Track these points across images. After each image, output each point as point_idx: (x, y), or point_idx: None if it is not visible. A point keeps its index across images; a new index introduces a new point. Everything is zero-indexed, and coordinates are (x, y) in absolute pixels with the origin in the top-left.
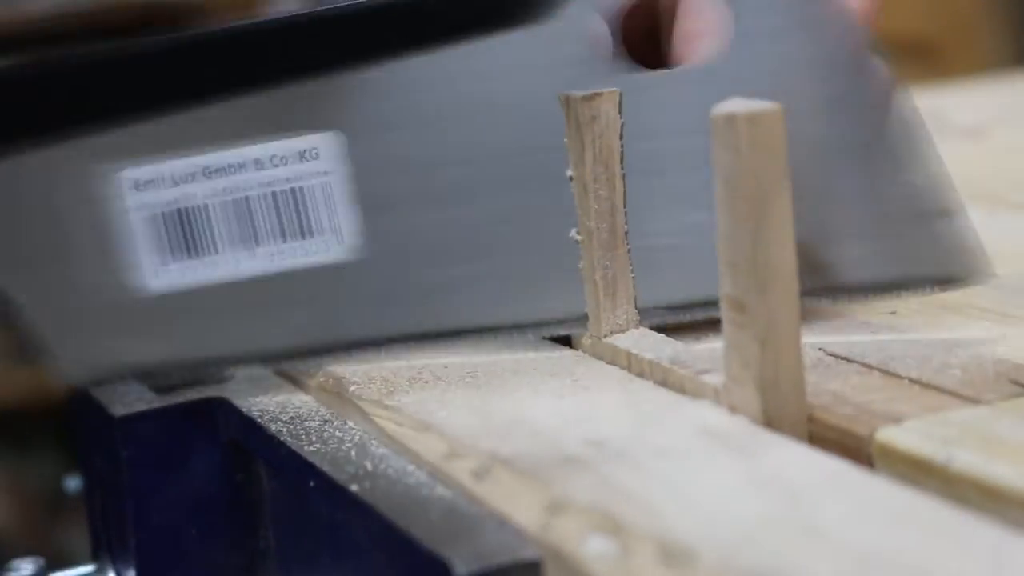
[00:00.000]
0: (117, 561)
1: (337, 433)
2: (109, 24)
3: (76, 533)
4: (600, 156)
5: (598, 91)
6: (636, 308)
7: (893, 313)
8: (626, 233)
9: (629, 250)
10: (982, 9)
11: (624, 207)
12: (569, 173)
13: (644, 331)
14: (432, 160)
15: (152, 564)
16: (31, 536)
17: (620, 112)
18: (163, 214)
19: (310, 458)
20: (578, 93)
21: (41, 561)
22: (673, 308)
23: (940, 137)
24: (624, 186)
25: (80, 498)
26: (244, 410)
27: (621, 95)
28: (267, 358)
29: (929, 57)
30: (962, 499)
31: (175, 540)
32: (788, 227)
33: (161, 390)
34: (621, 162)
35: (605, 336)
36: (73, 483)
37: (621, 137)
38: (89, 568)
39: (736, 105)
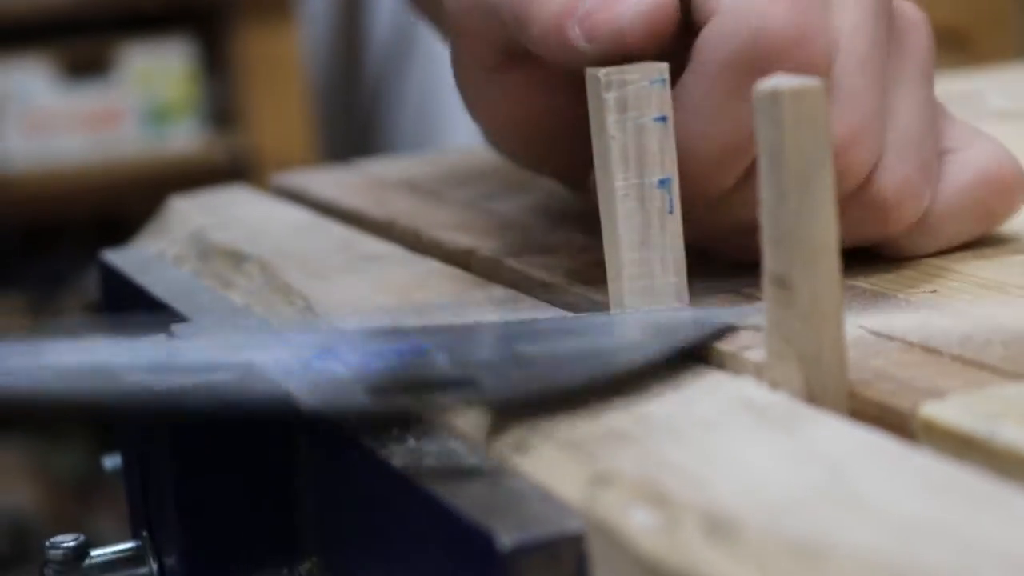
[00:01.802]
0: (157, 537)
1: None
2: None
3: (108, 518)
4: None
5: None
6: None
7: (934, 292)
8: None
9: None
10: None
11: None
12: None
13: (686, 308)
14: None
15: (195, 540)
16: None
17: None
18: None
19: (351, 432)
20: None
21: (81, 537)
22: None
23: (977, 119)
24: None
25: (117, 478)
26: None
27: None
28: None
29: (963, 46)
30: (1005, 473)
31: (217, 516)
32: (831, 203)
33: None
34: None
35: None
36: (111, 462)
37: None
38: (130, 545)
39: (780, 81)
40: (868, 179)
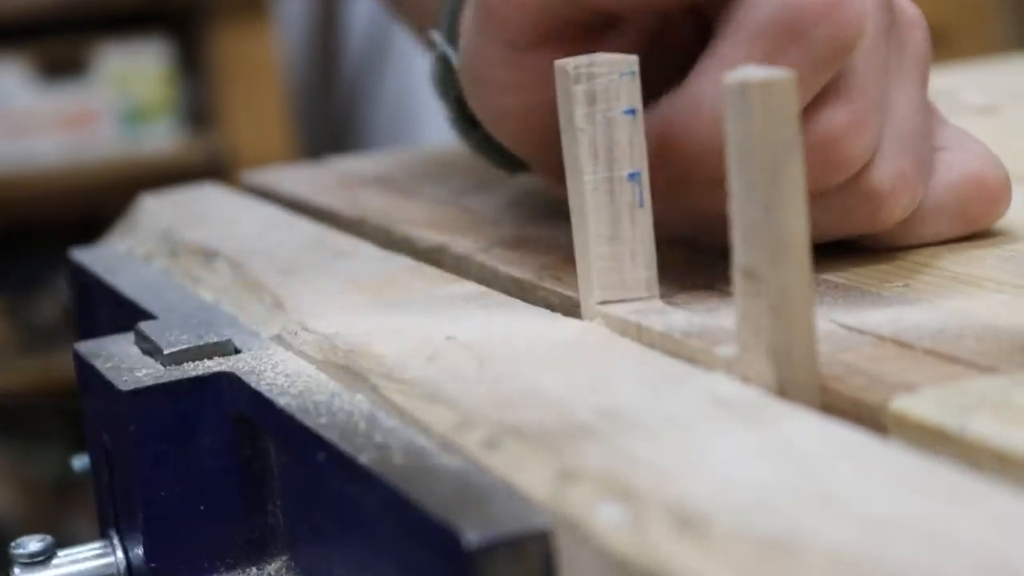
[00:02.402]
0: (125, 538)
1: (346, 406)
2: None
3: (84, 519)
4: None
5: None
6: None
7: (906, 286)
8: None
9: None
10: None
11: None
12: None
13: (654, 302)
14: None
15: (161, 540)
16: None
17: None
18: None
19: (319, 431)
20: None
21: (49, 539)
22: None
23: (953, 115)
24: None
25: (87, 477)
26: (252, 384)
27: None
28: None
29: (942, 42)
30: (977, 466)
31: (184, 515)
32: (800, 195)
33: (168, 364)
34: None
35: (613, 306)
36: (80, 462)
37: None
38: (97, 545)
39: (749, 73)
40: (863, 170)
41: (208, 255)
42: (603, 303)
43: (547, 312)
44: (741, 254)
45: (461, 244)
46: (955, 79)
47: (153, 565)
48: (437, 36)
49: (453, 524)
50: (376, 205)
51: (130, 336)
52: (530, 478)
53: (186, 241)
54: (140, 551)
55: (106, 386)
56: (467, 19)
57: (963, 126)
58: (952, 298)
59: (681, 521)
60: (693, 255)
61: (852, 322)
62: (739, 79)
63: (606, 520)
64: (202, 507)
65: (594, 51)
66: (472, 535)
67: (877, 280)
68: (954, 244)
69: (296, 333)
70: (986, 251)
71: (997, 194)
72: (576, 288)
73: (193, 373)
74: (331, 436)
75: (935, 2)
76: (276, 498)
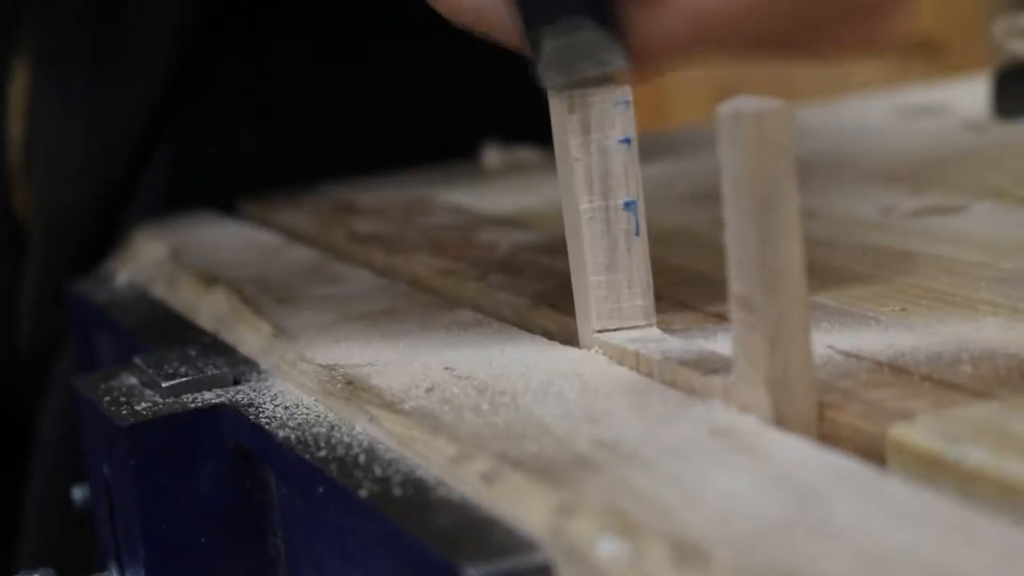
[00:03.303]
0: (126, 570)
1: (345, 439)
2: None
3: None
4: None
5: None
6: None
7: (903, 310)
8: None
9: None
10: (986, 9)
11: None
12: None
13: (651, 330)
14: None
15: (162, 571)
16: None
17: None
18: None
19: (318, 464)
20: None
21: (50, 572)
22: None
23: (947, 130)
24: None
25: (87, 509)
26: (251, 417)
27: None
28: None
29: (937, 55)
30: (976, 496)
31: (185, 548)
32: (796, 225)
33: (167, 396)
34: None
35: (611, 335)
36: (80, 494)
37: None
38: None
39: (743, 102)
40: None
41: (206, 283)
42: (601, 331)
43: (544, 340)
44: (737, 283)
45: (457, 271)
46: (950, 93)
47: None
48: None
49: (453, 558)
50: (371, 232)
51: (129, 368)
52: (530, 511)
53: (184, 269)
54: None
55: (104, 420)
56: None
57: (958, 142)
58: (948, 322)
59: (680, 554)
60: (689, 282)
61: (849, 347)
62: (733, 109)
63: (606, 554)
64: (203, 539)
65: None
66: (472, 569)
67: (873, 304)
68: (950, 267)
69: (295, 364)
70: (980, 272)
71: None
72: (573, 316)
73: (192, 406)
74: (330, 469)
75: (928, 14)
76: (276, 530)
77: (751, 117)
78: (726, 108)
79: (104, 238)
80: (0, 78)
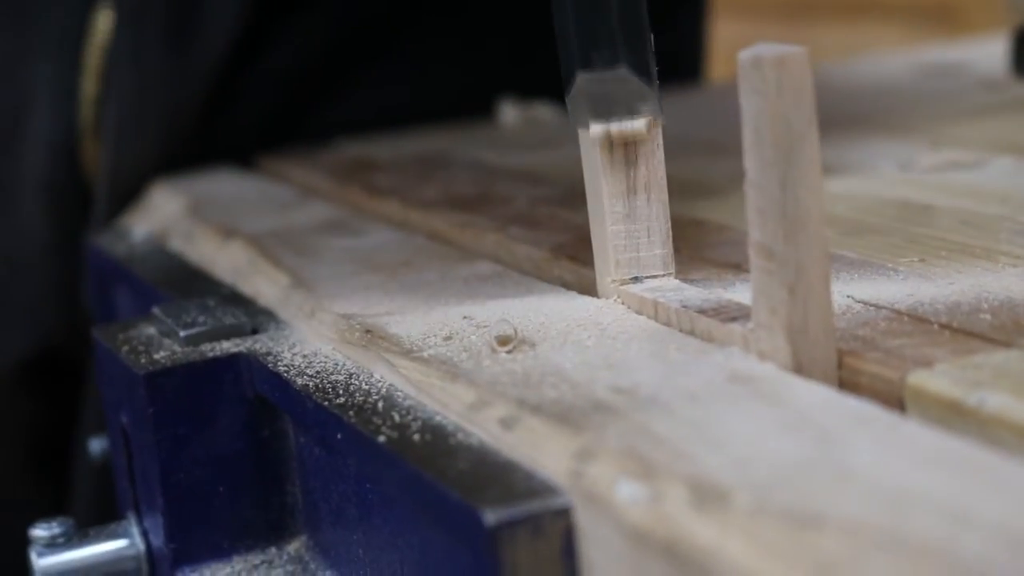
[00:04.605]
0: (144, 520)
1: (364, 386)
2: None
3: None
4: None
5: None
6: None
7: (922, 260)
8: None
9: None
10: None
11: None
12: None
13: (670, 280)
14: None
15: (180, 521)
16: None
17: None
18: None
19: (337, 411)
20: None
21: (68, 521)
22: None
23: (965, 88)
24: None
25: (105, 460)
26: (270, 366)
27: None
28: None
29: (951, 18)
30: (995, 441)
31: (203, 496)
32: (817, 172)
33: (186, 345)
34: None
35: (629, 284)
36: (97, 445)
37: None
38: (116, 527)
39: (763, 49)
40: None
41: (224, 236)
42: (619, 281)
43: (563, 291)
44: (757, 231)
45: (475, 223)
46: (967, 53)
47: (173, 546)
48: None
49: (472, 502)
50: (389, 185)
51: (147, 319)
52: (549, 456)
53: (202, 223)
54: (160, 532)
55: (123, 369)
56: None
57: (976, 100)
58: (967, 272)
59: (700, 497)
60: (708, 231)
61: (868, 297)
62: (753, 55)
63: (625, 497)
64: (221, 488)
65: None
66: (491, 513)
67: (892, 255)
68: (967, 218)
69: (313, 313)
70: (1000, 224)
71: None
72: (592, 267)
73: (210, 355)
74: (349, 416)
75: None
76: (295, 478)
77: (771, 62)
78: (746, 55)
79: None
80: (77, 37)
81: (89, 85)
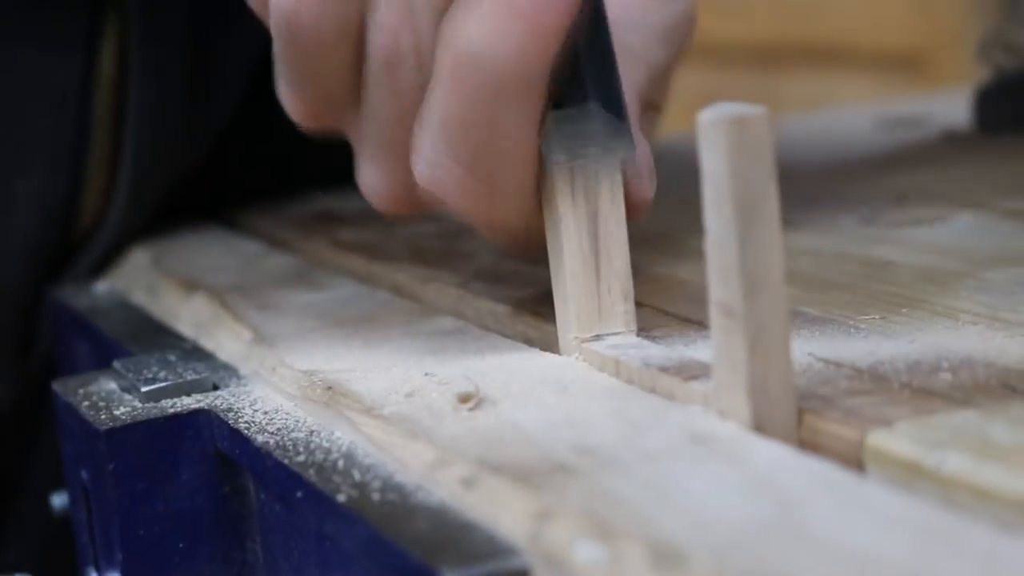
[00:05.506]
0: (104, 575)
1: (324, 444)
2: None
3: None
4: None
5: None
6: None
7: (883, 318)
8: None
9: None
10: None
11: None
12: None
13: (631, 337)
14: None
15: None
16: None
17: None
18: None
19: (297, 469)
20: None
21: None
22: None
23: (929, 142)
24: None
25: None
26: (230, 422)
27: None
28: None
29: (919, 69)
30: (954, 502)
31: (163, 553)
32: (777, 230)
33: (146, 401)
34: None
35: (591, 342)
36: (59, 500)
37: None
38: None
39: (723, 108)
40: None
41: (187, 290)
42: (581, 338)
43: (525, 347)
44: (717, 289)
45: (438, 279)
46: (931, 106)
47: None
48: None
49: (431, 563)
50: (354, 240)
51: (108, 373)
52: (508, 516)
53: (165, 276)
54: None
55: (83, 424)
56: None
57: (940, 155)
58: (928, 330)
59: (659, 559)
60: (670, 289)
61: (828, 355)
62: (713, 115)
63: (584, 558)
64: (181, 545)
65: None
66: (450, 574)
67: (853, 312)
68: (930, 276)
69: (275, 369)
70: (960, 282)
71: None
72: (554, 323)
73: (171, 411)
74: (309, 474)
75: (910, 29)
76: (255, 535)
77: (731, 122)
78: (706, 114)
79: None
80: (80, 88)
81: (102, 140)
